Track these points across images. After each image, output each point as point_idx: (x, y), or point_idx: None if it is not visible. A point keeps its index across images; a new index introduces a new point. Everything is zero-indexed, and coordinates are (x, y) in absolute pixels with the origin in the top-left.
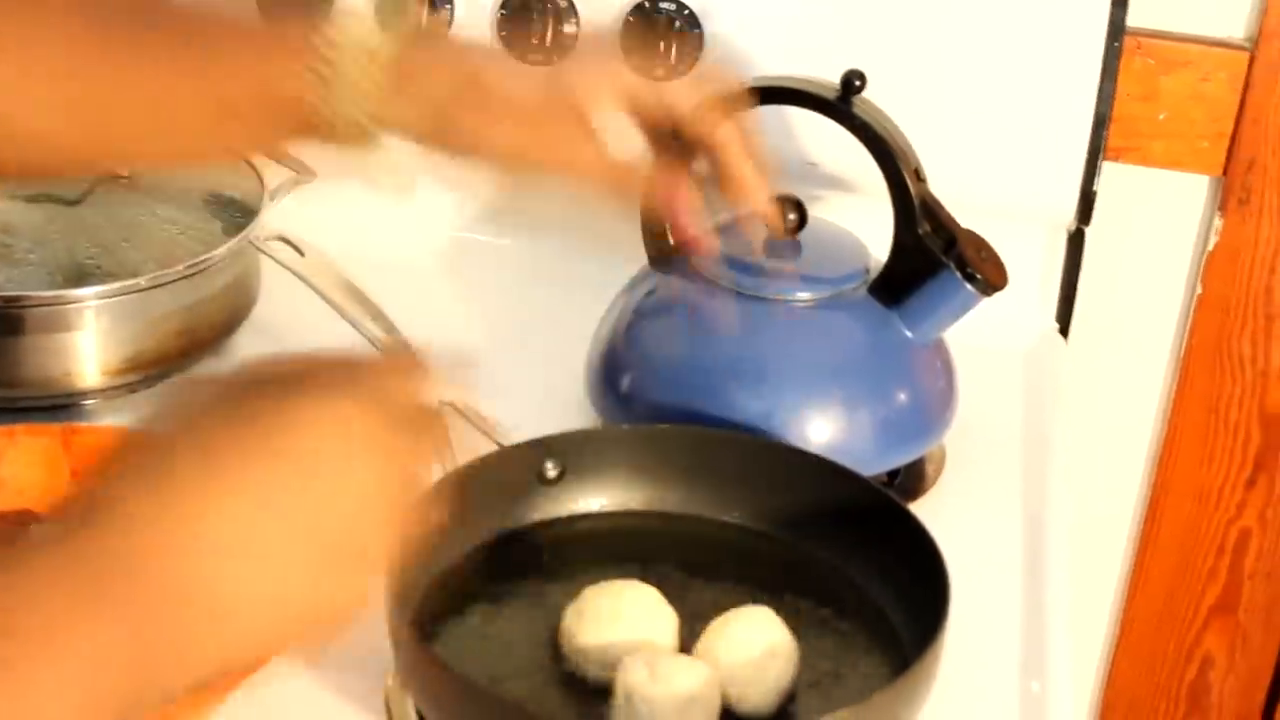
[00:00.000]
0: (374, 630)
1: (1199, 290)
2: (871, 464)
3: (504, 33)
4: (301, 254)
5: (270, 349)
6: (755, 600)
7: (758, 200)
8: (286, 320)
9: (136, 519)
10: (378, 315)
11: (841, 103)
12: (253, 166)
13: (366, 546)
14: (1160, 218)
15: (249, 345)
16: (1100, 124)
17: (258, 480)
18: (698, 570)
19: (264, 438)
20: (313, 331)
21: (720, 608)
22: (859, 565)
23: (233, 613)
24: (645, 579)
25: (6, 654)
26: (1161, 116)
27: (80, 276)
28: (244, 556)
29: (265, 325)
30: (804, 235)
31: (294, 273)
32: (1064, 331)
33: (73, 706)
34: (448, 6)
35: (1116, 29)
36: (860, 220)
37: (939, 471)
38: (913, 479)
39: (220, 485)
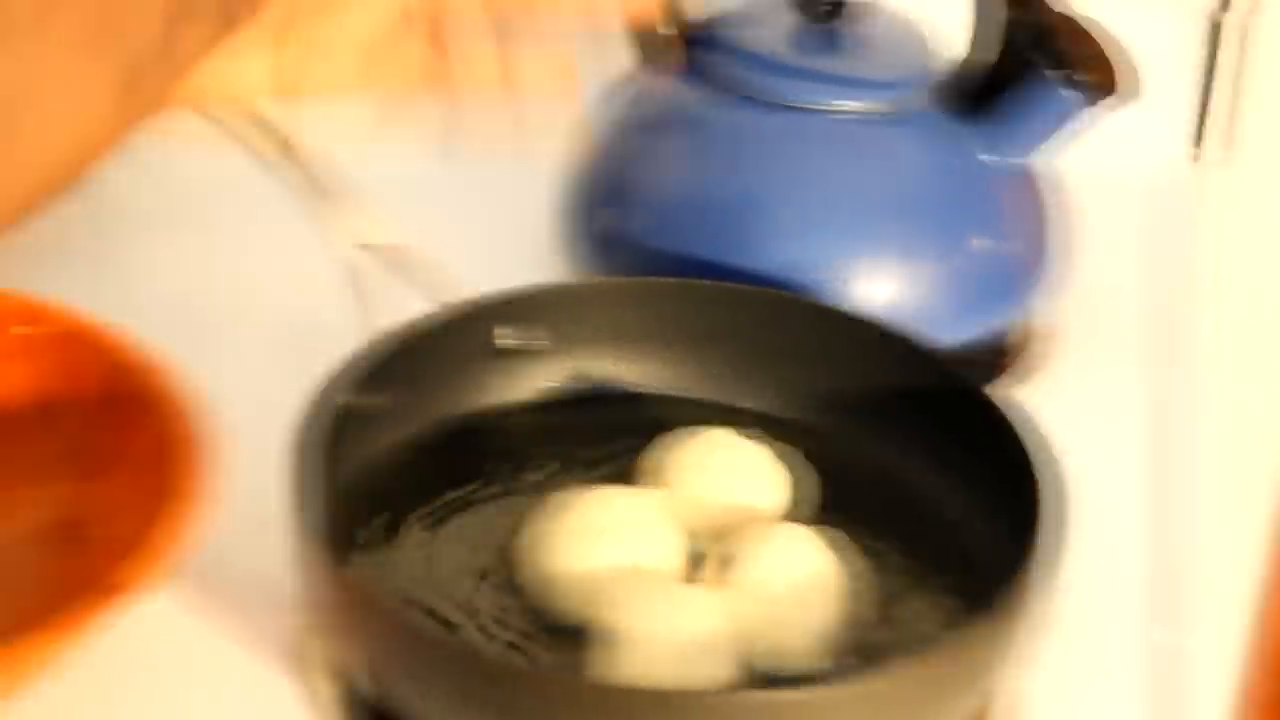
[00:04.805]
0: (277, 553)
1: None
2: (942, 333)
3: None
4: None
5: (132, 173)
6: (787, 515)
7: None
8: (154, 135)
9: None
10: (269, 128)
11: None
12: None
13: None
14: None
15: (103, 169)
16: None
17: None
18: None
19: None
20: (189, 150)
21: (740, 523)
22: (925, 469)
23: None
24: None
25: None
26: None
27: None
28: None
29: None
30: (848, 23)
31: None
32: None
33: None
34: None
35: None
36: (924, 3)
37: (1029, 344)
38: (996, 354)
39: None
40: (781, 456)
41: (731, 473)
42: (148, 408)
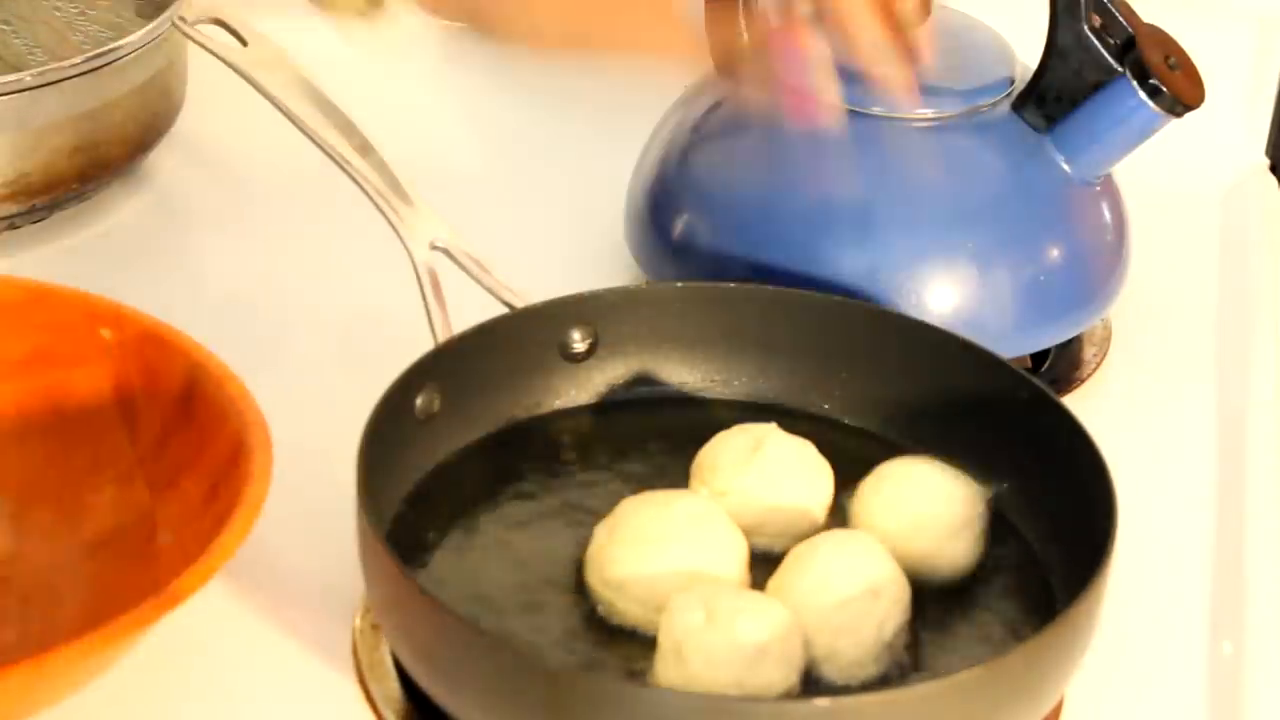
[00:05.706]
0: (339, 556)
1: None
2: (1012, 342)
3: None
4: (244, 43)
5: (199, 172)
6: (851, 522)
7: (867, 47)
8: (221, 133)
9: None
10: (347, 128)
11: None
12: None
13: None
14: None
15: (170, 168)
16: None
17: None
18: None
19: None
20: (257, 149)
21: (793, 522)
22: (992, 478)
23: None
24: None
25: None
26: None
27: None
28: None
29: (192, 140)
30: (926, 31)
31: (233, 68)
32: (1277, 168)
33: None
34: None
35: None
36: (1003, 11)
37: (1102, 355)
38: (1067, 364)
39: None
40: (842, 461)
41: (778, 468)
42: (223, 415)
